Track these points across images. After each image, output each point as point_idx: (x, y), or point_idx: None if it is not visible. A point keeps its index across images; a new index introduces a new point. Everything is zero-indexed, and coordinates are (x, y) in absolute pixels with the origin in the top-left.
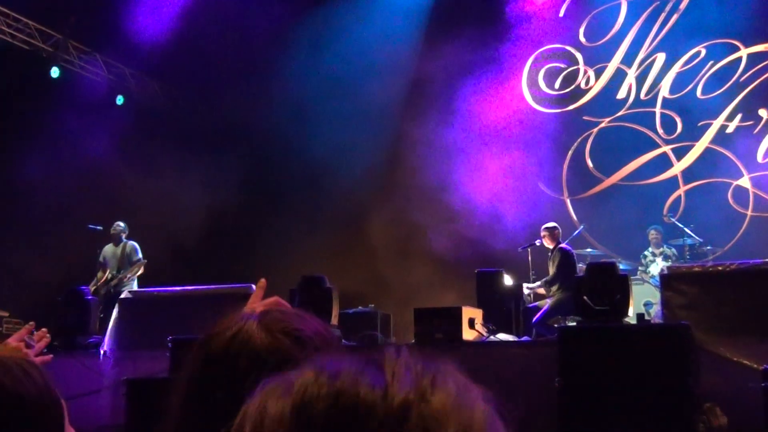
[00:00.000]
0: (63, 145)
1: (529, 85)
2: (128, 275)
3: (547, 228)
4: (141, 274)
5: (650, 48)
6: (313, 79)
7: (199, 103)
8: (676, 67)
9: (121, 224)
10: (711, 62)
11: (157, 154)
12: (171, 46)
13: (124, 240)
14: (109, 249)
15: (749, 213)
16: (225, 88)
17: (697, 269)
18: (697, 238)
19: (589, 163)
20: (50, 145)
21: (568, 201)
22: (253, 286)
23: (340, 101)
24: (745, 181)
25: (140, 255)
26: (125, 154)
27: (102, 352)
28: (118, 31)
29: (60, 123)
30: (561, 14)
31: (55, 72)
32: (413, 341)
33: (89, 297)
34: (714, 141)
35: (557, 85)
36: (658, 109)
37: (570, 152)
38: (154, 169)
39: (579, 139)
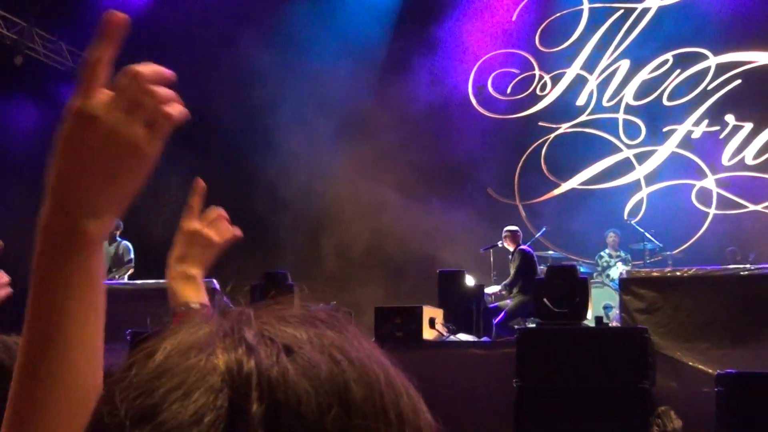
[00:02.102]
0: (25, 135)
1: (477, 91)
2: (117, 276)
3: (508, 230)
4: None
5: (614, 55)
6: (279, 77)
7: None
8: (642, 75)
9: (120, 223)
10: (678, 70)
11: None
12: (137, 37)
13: (119, 239)
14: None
15: (712, 211)
16: (189, 82)
17: (655, 274)
18: (657, 242)
19: (545, 169)
20: (11, 135)
21: (520, 206)
22: (215, 281)
23: (307, 100)
24: (709, 182)
25: (132, 256)
26: None
27: None
28: (84, 20)
29: (23, 112)
30: (513, 18)
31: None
32: (373, 340)
33: None
34: (679, 145)
35: (509, 90)
36: (621, 115)
37: (523, 158)
38: None
39: (534, 145)
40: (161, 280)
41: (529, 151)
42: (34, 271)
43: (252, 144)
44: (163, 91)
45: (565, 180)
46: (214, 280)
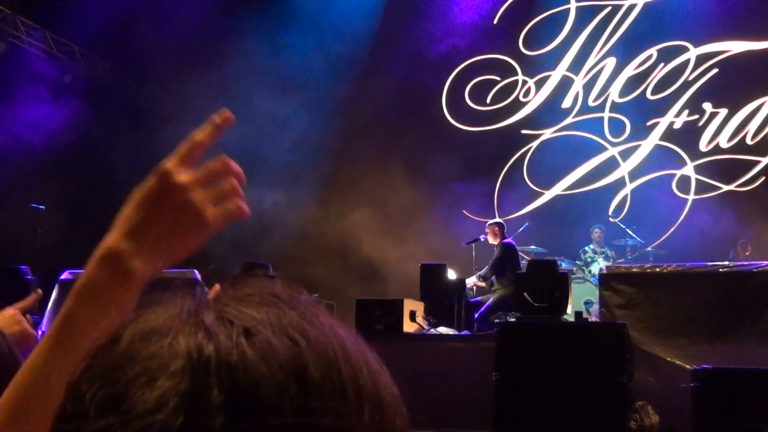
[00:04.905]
0: (6, 123)
1: (451, 103)
2: None
3: (491, 224)
4: None
5: (601, 53)
6: (259, 69)
7: (148, 85)
8: (628, 71)
9: None
10: (662, 64)
11: (103, 134)
12: (122, 26)
13: None
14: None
15: (691, 197)
16: (175, 70)
17: (635, 270)
18: (638, 239)
19: (527, 179)
20: None
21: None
22: (196, 272)
23: (284, 104)
24: (688, 170)
25: None
26: (71, 133)
27: (40, 332)
28: (68, 8)
29: (4, 100)
30: (495, 22)
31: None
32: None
33: (28, 277)
34: (662, 138)
35: (489, 100)
36: (606, 114)
37: (504, 170)
38: (100, 150)
39: (516, 155)
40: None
41: (511, 162)
42: (75, 290)
43: (235, 147)
44: (239, 187)
45: (548, 188)
46: (195, 271)
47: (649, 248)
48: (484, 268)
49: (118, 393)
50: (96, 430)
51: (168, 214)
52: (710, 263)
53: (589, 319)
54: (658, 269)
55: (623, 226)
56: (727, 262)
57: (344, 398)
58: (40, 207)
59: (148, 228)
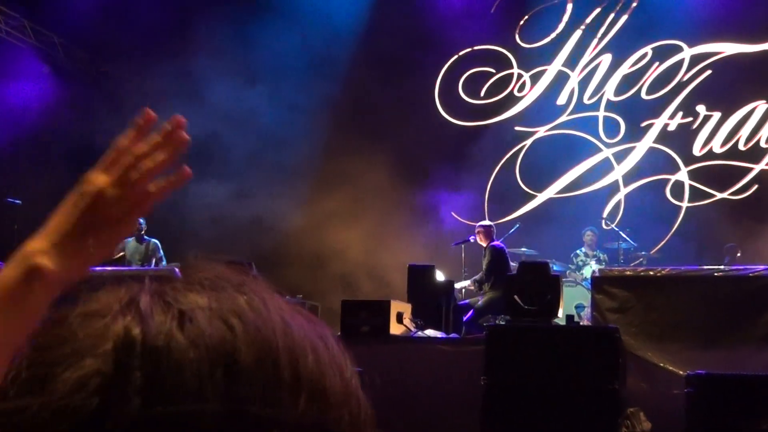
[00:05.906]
0: None
1: (445, 97)
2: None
3: (482, 225)
4: None
5: (596, 49)
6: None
7: (130, 78)
8: (623, 69)
9: (142, 221)
10: (657, 63)
11: (84, 127)
12: (103, 16)
13: (147, 238)
14: (131, 244)
15: (684, 204)
16: (157, 62)
17: (628, 273)
18: (631, 242)
19: (520, 180)
20: None
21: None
22: (177, 270)
23: (267, 103)
24: (682, 175)
25: (161, 253)
26: (48, 125)
27: None
28: None
29: None
30: (492, 10)
31: None
32: (339, 333)
33: None
34: (656, 140)
35: (483, 93)
36: (601, 113)
37: (496, 169)
38: (79, 143)
39: (509, 154)
40: (125, 267)
41: (503, 160)
42: None
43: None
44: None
45: (541, 190)
46: (176, 269)
47: (641, 253)
48: (479, 274)
49: (43, 373)
50: (13, 410)
51: (86, 214)
52: (705, 267)
53: (581, 323)
54: (651, 273)
55: (617, 229)
56: (722, 266)
57: (277, 386)
58: (17, 201)
59: (65, 228)
